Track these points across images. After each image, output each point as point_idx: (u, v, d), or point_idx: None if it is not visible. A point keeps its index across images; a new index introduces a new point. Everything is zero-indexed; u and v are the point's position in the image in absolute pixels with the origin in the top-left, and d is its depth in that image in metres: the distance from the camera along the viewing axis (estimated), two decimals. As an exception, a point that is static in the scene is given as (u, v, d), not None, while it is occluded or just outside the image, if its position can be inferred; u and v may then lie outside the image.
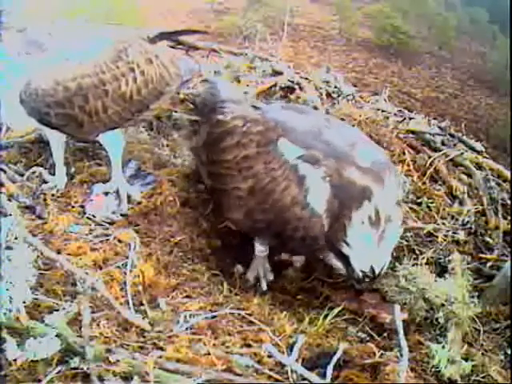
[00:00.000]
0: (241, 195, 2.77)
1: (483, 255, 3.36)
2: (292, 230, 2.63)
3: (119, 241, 2.74)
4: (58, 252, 2.51)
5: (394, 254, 3.18)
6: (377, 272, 2.60)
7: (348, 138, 2.77)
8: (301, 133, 2.73)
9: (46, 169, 3.14)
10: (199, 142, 3.12)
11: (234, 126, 2.83)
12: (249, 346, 2.29)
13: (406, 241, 3.31)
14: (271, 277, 3.07)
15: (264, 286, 2.99)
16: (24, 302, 2.14)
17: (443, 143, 4.35)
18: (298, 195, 2.59)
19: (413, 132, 4.41)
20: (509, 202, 3.83)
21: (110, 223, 2.91)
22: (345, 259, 2.61)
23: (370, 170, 2.61)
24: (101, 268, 2.53)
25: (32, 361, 1.96)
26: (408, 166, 3.94)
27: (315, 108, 4.16)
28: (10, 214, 2.52)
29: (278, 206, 2.63)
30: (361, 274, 2.61)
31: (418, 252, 3.26)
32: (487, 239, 3.51)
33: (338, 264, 2.68)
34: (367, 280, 2.64)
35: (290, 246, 2.83)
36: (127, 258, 2.59)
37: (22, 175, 3.05)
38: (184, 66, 3.22)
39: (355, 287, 2.86)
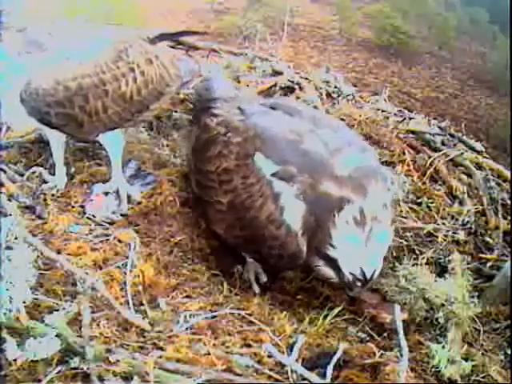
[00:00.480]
0: (222, 209, 2.71)
1: (483, 255, 3.36)
2: (268, 248, 2.58)
3: (119, 241, 2.74)
4: (58, 252, 2.51)
5: (394, 254, 3.20)
6: (368, 275, 2.50)
7: (333, 142, 2.66)
8: (279, 143, 2.63)
9: (46, 169, 3.14)
10: (189, 147, 3.08)
11: (217, 134, 2.78)
12: (249, 345, 2.29)
13: (406, 241, 3.31)
14: (265, 278, 3.07)
15: (256, 289, 2.98)
16: (24, 302, 2.14)
17: (443, 143, 4.36)
18: (274, 213, 2.53)
19: (413, 132, 4.42)
20: (509, 201, 3.83)
21: (110, 223, 2.91)
22: (333, 263, 2.54)
23: (350, 178, 2.52)
24: (101, 268, 2.53)
25: (32, 361, 1.96)
26: (408, 165, 3.95)
27: (315, 108, 4.15)
28: (10, 214, 2.52)
29: (255, 224, 2.57)
30: (351, 278, 2.52)
31: (418, 252, 3.26)
32: (487, 239, 3.51)
33: (329, 272, 2.60)
34: (359, 284, 2.54)
35: (270, 262, 2.78)
36: (127, 258, 2.59)
37: (22, 175, 3.05)
38: (184, 66, 3.22)
39: (349, 295, 2.77)
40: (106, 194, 3.05)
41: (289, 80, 4.50)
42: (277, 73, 4.70)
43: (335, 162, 2.58)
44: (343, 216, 2.46)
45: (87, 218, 2.89)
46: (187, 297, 2.56)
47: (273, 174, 2.56)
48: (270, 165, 2.58)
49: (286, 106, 2.97)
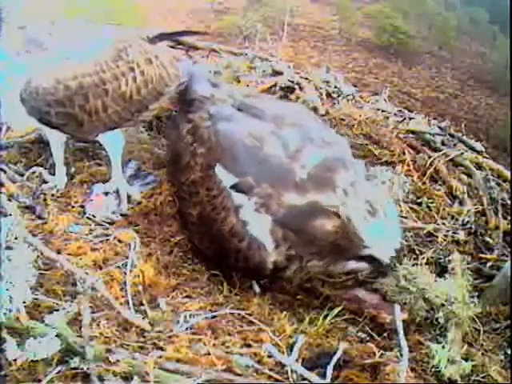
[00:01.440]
0: (193, 221, 2.72)
1: (483, 255, 3.36)
2: (234, 260, 2.59)
3: (119, 241, 2.74)
4: (58, 252, 2.51)
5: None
6: (398, 248, 2.55)
7: (294, 142, 2.61)
8: (238, 152, 2.59)
9: (46, 169, 3.14)
10: (166, 158, 3.09)
11: (185, 144, 2.77)
12: (249, 346, 2.29)
13: (406, 241, 3.30)
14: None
15: (256, 289, 2.98)
16: (24, 302, 2.14)
17: (443, 143, 4.35)
18: (235, 226, 2.52)
19: (413, 132, 4.41)
20: (509, 201, 3.82)
21: (109, 223, 2.91)
22: (367, 258, 2.55)
23: (310, 179, 2.48)
24: (101, 268, 2.53)
25: (32, 361, 1.96)
26: (408, 165, 3.94)
27: (315, 108, 4.15)
28: (10, 214, 2.52)
29: (219, 237, 2.57)
30: (389, 260, 2.56)
31: (418, 252, 3.25)
32: (487, 239, 3.50)
33: (361, 265, 2.62)
34: (394, 261, 2.61)
35: (239, 274, 2.80)
36: (127, 258, 2.59)
37: (22, 175, 3.05)
38: (183, 66, 3.21)
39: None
40: (106, 193, 3.05)
41: (289, 80, 4.49)
42: (277, 73, 4.69)
43: (295, 165, 2.53)
44: (359, 216, 2.44)
45: (87, 218, 2.89)
46: (187, 297, 2.56)
47: (232, 187, 2.54)
48: (229, 177, 2.57)
49: (250, 107, 2.89)
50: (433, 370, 2.42)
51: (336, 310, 2.70)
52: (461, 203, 3.73)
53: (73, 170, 3.20)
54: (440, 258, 3.20)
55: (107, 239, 2.74)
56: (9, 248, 2.29)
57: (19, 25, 2.73)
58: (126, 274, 2.50)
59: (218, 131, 2.71)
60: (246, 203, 2.51)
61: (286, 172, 2.52)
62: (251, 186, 2.50)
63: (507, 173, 4.13)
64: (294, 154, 2.57)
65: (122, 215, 2.99)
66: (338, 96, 4.71)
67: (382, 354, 2.33)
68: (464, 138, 4.55)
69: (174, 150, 2.91)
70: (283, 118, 2.80)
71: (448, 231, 3.42)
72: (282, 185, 2.49)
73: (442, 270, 3.07)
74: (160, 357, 2.08)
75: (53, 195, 2.98)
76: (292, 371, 2.16)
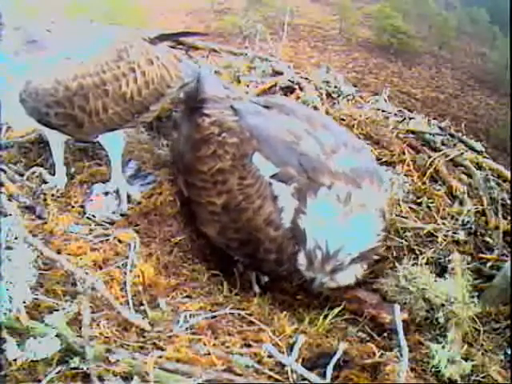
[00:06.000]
0: (215, 211, 2.67)
1: (483, 255, 3.36)
2: (264, 252, 2.55)
3: (119, 241, 2.74)
4: (58, 252, 2.51)
5: (394, 254, 3.20)
6: (331, 250, 2.42)
7: (329, 143, 2.65)
8: (277, 144, 2.60)
9: (46, 169, 3.14)
10: (176, 149, 3.05)
11: (210, 134, 2.74)
12: (249, 345, 2.29)
13: (406, 241, 3.30)
14: (266, 278, 3.06)
15: (256, 290, 2.98)
16: (24, 302, 2.14)
17: (443, 143, 4.35)
18: (272, 215, 2.51)
19: (413, 132, 4.41)
20: (509, 201, 3.82)
21: (110, 223, 2.91)
22: (300, 234, 2.45)
23: (344, 174, 2.52)
24: (101, 268, 2.53)
25: (32, 361, 1.96)
26: (408, 166, 3.94)
27: (315, 108, 4.15)
28: (10, 214, 2.52)
29: (251, 226, 2.54)
30: (312, 245, 2.43)
31: (417, 252, 3.25)
32: (487, 239, 3.50)
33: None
34: (318, 256, 2.43)
35: (264, 268, 2.76)
36: (127, 258, 2.59)
37: (22, 175, 3.05)
38: (185, 67, 3.21)
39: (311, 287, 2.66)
40: (106, 193, 3.05)
41: (289, 80, 4.49)
42: (277, 73, 4.70)
43: (332, 163, 2.57)
44: (326, 192, 2.43)
45: (87, 218, 2.89)
46: (187, 297, 2.56)
47: (272, 176, 2.54)
48: (270, 166, 2.56)
49: (280, 105, 2.94)
50: (433, 369, 2.41)
51: (336, 310, 2.71)
52: (461, 203, 3.73)
53: (73, 170, 3.20)
54: (440, 258, 3.20)
55: (107, 239, 2.74)
56: (9, 248, 2.29)
57: (19, 25, 2.72)
58: (125, 273, 2.50)
59: (251, 124, 2.71)
60: (284, 191, 2.50)
61: (323, 166, 2.54)
62: (292, 176, 2.51)
63: (507, 173, 4.13)
64: (330, 153, 2.61)
65: (122, 215, 2.99)
66: (338, 96, 4.71)
67: (382, 353, 2.34)
68: (464, 138, 4.55)
69: (188, 140, 2.88)
70: (315, 119, 2.86)
71: (448, 231, 3.42)
72: (319, 173, 2.51)
73: (442, 270, 3.07)
74: (160, 357, 2.08)
75: (53, 195, 2.97)
76: (292, 371, 2.16)
